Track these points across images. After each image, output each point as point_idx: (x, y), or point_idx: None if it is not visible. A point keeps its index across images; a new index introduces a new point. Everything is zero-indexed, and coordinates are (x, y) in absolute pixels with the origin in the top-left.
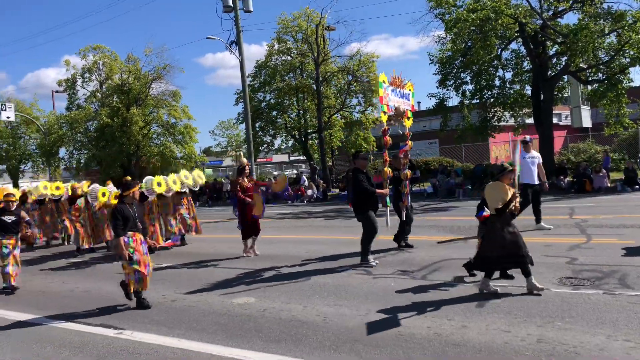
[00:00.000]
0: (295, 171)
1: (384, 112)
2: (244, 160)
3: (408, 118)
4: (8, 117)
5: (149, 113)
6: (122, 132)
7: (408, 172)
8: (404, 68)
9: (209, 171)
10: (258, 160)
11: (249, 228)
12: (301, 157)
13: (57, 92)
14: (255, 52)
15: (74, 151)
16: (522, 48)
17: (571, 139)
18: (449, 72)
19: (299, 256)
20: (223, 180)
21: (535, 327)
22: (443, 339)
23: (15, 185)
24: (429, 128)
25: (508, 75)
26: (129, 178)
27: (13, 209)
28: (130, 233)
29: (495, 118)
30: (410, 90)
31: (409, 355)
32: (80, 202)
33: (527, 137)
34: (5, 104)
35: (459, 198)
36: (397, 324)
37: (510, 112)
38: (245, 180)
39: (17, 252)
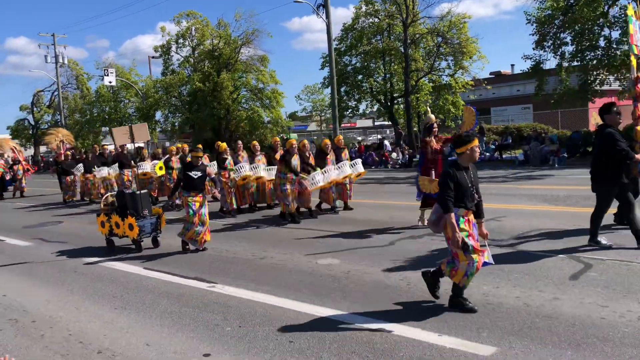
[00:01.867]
0: (379, 137)
1: (634, 55)
2: (432, 116)
3: None
4: (110, 82)
5: (238, 78)
6: (213, 96)
7: None
8: (497, 29)
9: (294, 135)
10: (342, 125)
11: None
12: (386, 122)
13: (153, 57)
14: (341, 15)
15: (169, 114)
16: (634, 3)
17: None
18: (548, 32)
19: (382, 221)
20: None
21: (637, 304)
22: (533, 310)
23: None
24: (522, 92)
25: (615, 35)
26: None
27: (199, 164)
28: (462, 211)
29: (598, 81)
30: None
31: (496, 324)
32: (230, 163)
33: None
34: (107, 70)
35: (554, 166)
36: (485, 292)
37: (616, 75)
38: (434, 140)
39: (204, 210)
